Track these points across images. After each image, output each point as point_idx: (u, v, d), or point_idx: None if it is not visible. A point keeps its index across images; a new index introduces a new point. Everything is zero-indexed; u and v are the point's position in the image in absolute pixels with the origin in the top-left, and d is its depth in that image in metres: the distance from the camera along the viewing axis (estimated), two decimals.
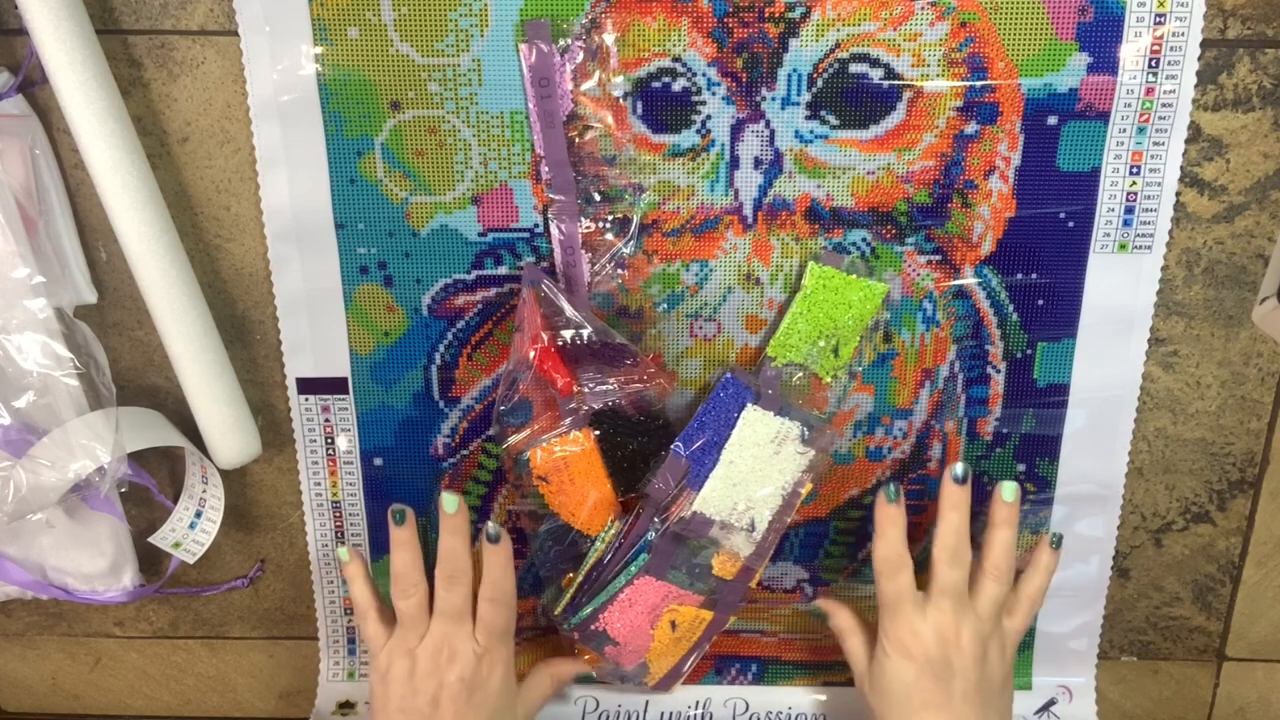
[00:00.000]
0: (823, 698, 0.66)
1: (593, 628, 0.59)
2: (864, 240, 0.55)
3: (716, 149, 0.53)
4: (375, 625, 0.56)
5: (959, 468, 0.54)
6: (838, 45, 0.51)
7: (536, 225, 0.55)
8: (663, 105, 0.53)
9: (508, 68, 0.52)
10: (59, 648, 0.68)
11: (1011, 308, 0.56)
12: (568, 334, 0.54)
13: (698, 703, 0.66)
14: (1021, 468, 0.60)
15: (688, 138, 0.53)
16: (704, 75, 0.52)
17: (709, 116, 0.53)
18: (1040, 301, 0.56)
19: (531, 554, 0.62)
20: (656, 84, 0.52)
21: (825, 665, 0.65)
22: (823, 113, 0.52)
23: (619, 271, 0.56)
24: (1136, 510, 0.62)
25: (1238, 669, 0.66)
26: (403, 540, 0.54)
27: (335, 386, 0.59)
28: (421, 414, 0.59)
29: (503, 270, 0.56)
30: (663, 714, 0.65)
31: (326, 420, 0.60)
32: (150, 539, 0.59)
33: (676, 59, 0.52)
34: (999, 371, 0.58)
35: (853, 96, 0.52)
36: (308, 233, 0.56)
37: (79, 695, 0.70)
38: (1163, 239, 0.55)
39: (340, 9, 0.51)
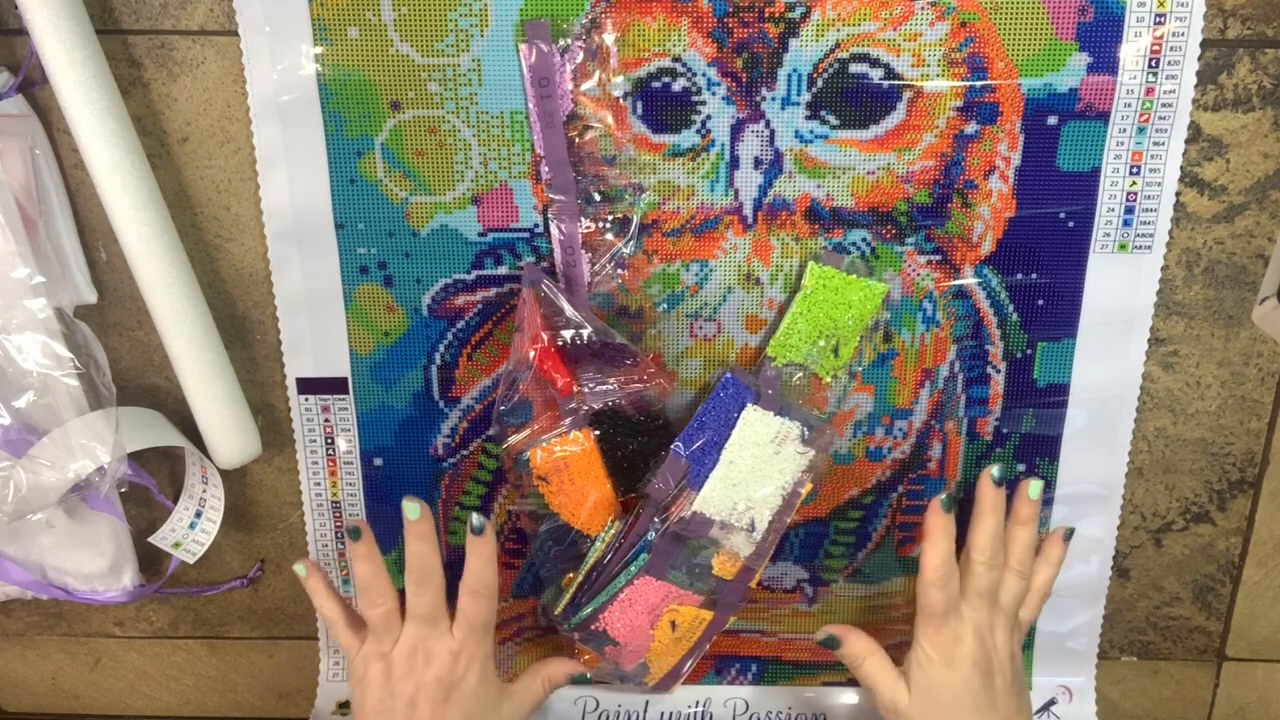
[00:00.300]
0: (823, 698, 0.66)
1: (593, 628, 0.59)
2: (864, 240, 0.55)
3: (716, 149, 0.53)
4: (346, 634, 0.56)
5: (996, 470, 0.54)
6: (838, 45, 0.51)
7: (536, 225, 0.55)
8: (663, 105, 0.53)
9: (508, 68, 0.52)
10: (59, 648, 0.68)
11: (1011, 308, 0.56)
12: (568, 334, 0.54)
13: (698, 703, 0.66)
14: (1021, 468, 0.60)
15: (688, 138, 0.53)
16: (704, 75, 0.52)
17: (709, 116, 0.53)
18: (1040, 301, 0.56)
19: (531, 554, 0.62)
20: (656, 84, 0.52)
21: (825, 665, 0.65)
22: (823, 113, 0.52)
23: (619, 271, 0.56)
24: (1136, 510, 0.62)
25: (1238, 669, 0.66)
26: (362, 554, 0.54)
27: (335, 386, 0.59)
28: (421, 414, 0.59)
29: (503, 270, 0.56)
30: (663, 714, 0.65)
31: (326, 420, 0.60)
32: (150, 539, 0.59)
33: (676, 59, 0.52)
34: (999, 371, 0.58)
35: (853, 96, 0.52)
36: (308, 233, 0.56)
37: (79, 695, 0.70)
38: (1163, 239, 0.55)
39: (340, 9, 0.51)
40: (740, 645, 0.65)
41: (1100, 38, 0.51)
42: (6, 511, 0.54)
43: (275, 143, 0.54)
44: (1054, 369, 0.58)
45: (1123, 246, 0.55)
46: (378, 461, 0.61)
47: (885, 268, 0.56)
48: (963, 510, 0.56)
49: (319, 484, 0.61)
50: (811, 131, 0.53)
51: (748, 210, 0.55)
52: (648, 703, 0.65)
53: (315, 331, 0.58)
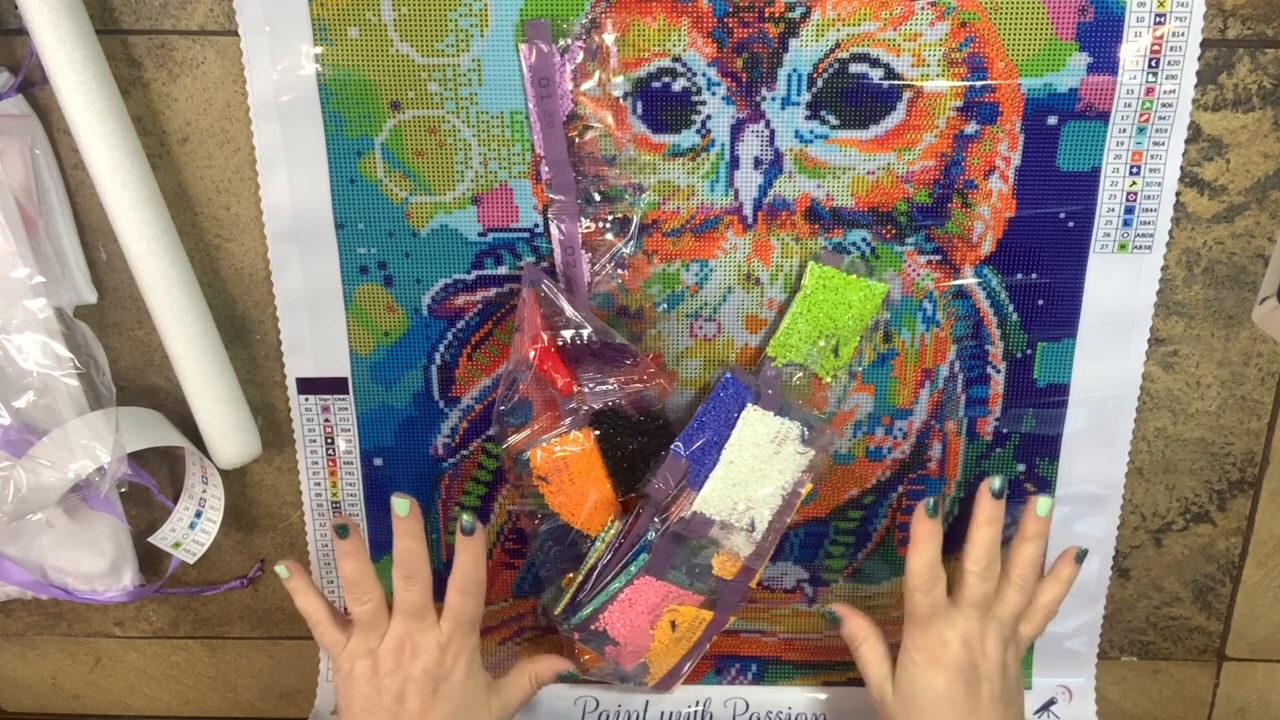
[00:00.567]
0: (823, 697, 0.66)
1: (593, 628, 0.59)
2: (864, 240, 0.55)
3: (716, 149, 0.53)
4: (331, 632, 0.56)
5: (996, 482, 0.54)
6: (838, 45, 0.51)
7: (536, 225, 0.55)
8: (663, 105, 0.53)
9: (508, 68, 0.52)
10: (59, 648, 0.68)
11: (1011, 308, 0.56)
12: (568, 334, 0.54)
13: (698, 703, 0.66)
14: (1021, 468, 0.60)
15: (688, 138, 0.53)
16: (704, 75, 0.52)
17: (709, 116, 0.53)
18: (1040, 301, 0.56)
19: (531, 554, 0.62)
20: (656, 84, 0.52)
21: (825, 665, 0.65)
22: (823, 113, 0.52)
23: (619, 271, 0.56)
24: (1136, 510, 0.62)
25: (1238, 669, 0.66)
26: (349, 551, 0.54)
27: (335, 386, 0.59)
28: (421, 414, 0.59)
29: (503, 270, 0.56)
30: (663, 714, 0.65)
31: (326, 420, 0.60)
32: (150, 539, 0.59)
33: (676, 59, 0.52)
34: (999, 371, 0.58)
35: (853, 96, 0.52)
36: (308, 233, 0.56)
37: (79, 695, 0.70)
38: (1163, 239, 0.55)
39: (340, 9, 0.51)
40: (740, 645, 0.65)
41: (1100, 38, 0.51)
42: (6, 511, 0.54)
43: (275, 143, 0.54)
44: (1054, 369, 0.58)
45: (1123, 246, 0.55)
46: (378, 461, 0.61)
47: (885, 268, 0.56)
48: (966, 513, 0.56)
49: (319, 484, 0.61)
50: (811, 131, 0.53)
51: (748, 210, 0.55)
52: (648, 703, 0.65)
53: (315, 331, 0.58)
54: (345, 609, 0.56)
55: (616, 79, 0.52)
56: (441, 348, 0.58)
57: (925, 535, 0.54)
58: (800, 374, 0.57)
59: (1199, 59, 0.51)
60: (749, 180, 0.54)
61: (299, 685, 0.69)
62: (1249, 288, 0.56)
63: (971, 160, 0.53)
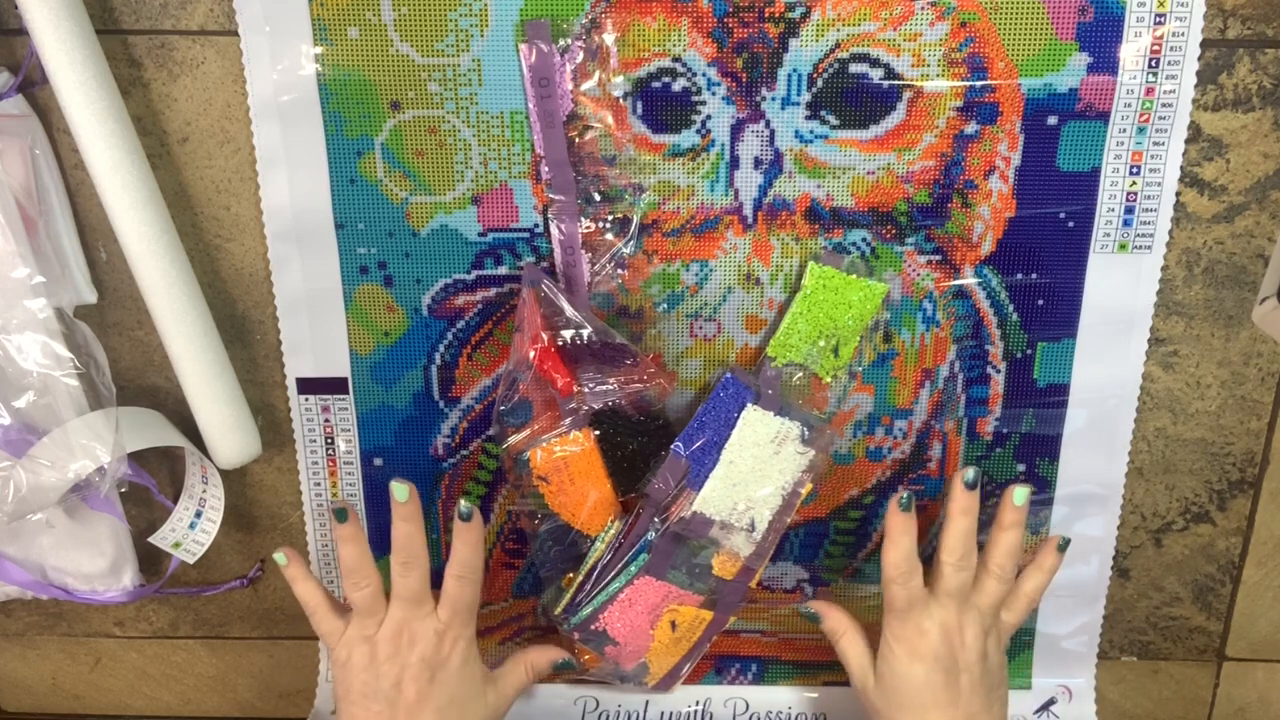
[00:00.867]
0: (823, 697, 0.66)
1: (593, 628, 0.59)
2: (864, 240, 0.55)
3: (716, 149, 0.53)
4: (329, 619, 0.56)
5: (970, 473, 0.54)
6: (838, 45, 0.51)
7: (536, 225, 0.55)
8: (663, 105, 0.53)
9: (508, 68, 0.52)
10: (59, 648, 0.68)
11: (1011, 308, 0.56)
12: (568, 334, 0.54)
13: (698, 702, 0.66)
14: (1021, 468, 0.60)
15: (688, 138, 0.53)
16: (704, 75, 0.52)
17: (709, 116, 0.53)
18: (1040, 301, 0.56)
19: (531, 554, 0.62)
20: (656, 84, 0.52)
21: (825, 665, 0.65)
22: (823, 113, 0.52)
23: (619, 271, 0.56)
24: (1136, 510, 0.62)
25: (1238, 669, 0.66)
26: (348, 535, 0.54)
27: (335, 386, 0.59)
28: (421, 414, 0.59)
29: (503, 270, 0.56)
30: (663, 714, 0.65)
31: (326, 420, 0.60)
32: (150, 539, 0.59)
33: (676, 59, 0.52)
34: (999, 371, 0.58)
35: (853, 96, 0.52)
36: (308, 233, 0.56)
37: (79, 695, 0.70)
38: (1163, 239, 0.55)
39: (340, 9, 0.51)
40: (740, 645, 0.65)
41: (1100, 38, 0.51)
42: (6, 511, 0.54)
43: (275, 143, 0.54)
44: (1054, 369, 0.58)
45: (1123, 246, 0.55)
46: (378, 461, 0.61)
47: (885, 268, 0.56)
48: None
49: (319, 484, 0.61)
50: (811, 131, 0.53)
51: (748, 210, 0.55)
52: (648, 703, 0.65)
53: (315, 331, 0.58)
54: (343, 598, 0.56)
55: (616, 79, 0.52)
56: (441, 348, 0.58)
57: (900, 528, 0.54)
58: (800, 374, 0.57)
59: (1199, 59, 0.51)
60: (749, 180, 0.54)
61: (299, 685, 0.69)
62: (1249, 288, 0.56)
63: (971, 160, 0.53)
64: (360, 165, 0.54)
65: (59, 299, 0.55)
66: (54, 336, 0.54)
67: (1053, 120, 0.52)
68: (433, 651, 0.54)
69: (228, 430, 0.57)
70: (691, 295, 0.56)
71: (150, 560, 0.63)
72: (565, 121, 0.52)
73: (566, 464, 0.56)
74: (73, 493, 0.56)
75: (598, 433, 0.56)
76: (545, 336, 0.54)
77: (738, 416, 0.56)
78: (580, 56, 0.51)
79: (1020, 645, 0.64)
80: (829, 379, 0.57)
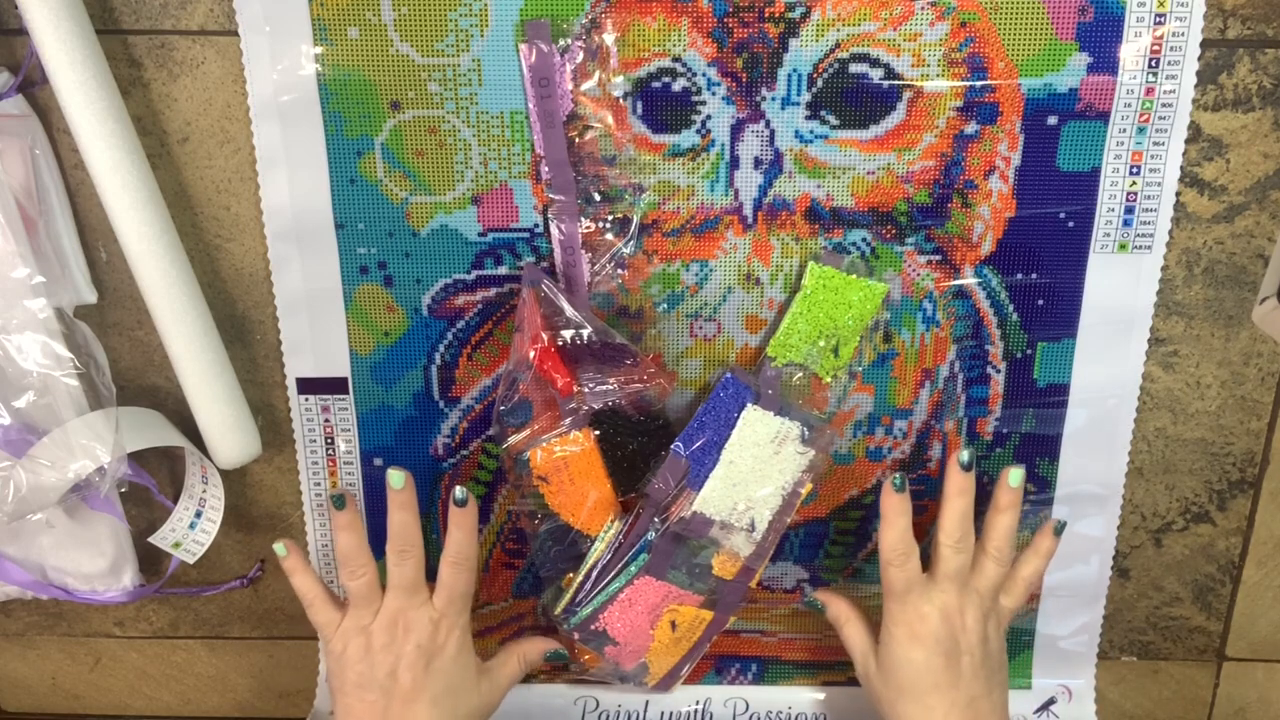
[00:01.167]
0: (822, 697, 0.66)
1: (593, 628, 0.59)
2: (864, 240, 0.55)
3: (716, 149, 0.53)
4: (325, 610, 0.56)
5: (965, 454, 0.54)
6: (838, 45, 0.51)
7: (536, 225, 0.55)
8: (663, 105, 0.53)
9: (508, 68, 0.52)
10: (59, 648, 0.68)
11: (1011, 308, 0.56)
12: (568, 334, 0.54)
13: (698, 702, 0.66)
14: (1022, 468, 0.60)
15: (688, 138, 0.53)
16: (704, 75, 0.52)
17: (709, 116, 0.53)
18: (1040, 301, 0.56)
19: (531, 554, 0.62)
20: (656, 84, 0.52)
21: (825, 665, 0.65)
22: (823, 113, 0.52)
23: (619, 271, 0.56)
24: (1136, 510, 0.62)
25: (1238, 669, 0.66)
26: (344, 524, 0.54)
27: (335, 386, 0.59)
28: (421, 414, 0.59)
29: (503, 270, 0.56)
30: (663, 714, 0.65)
31: (326, 420, 0.60)
32: (150, 539, 0.59)
33: (676, 59, 0.52)
34: (999, 371, 0.58)
35: (853, 96, 0.52)
36: (308, 233, 0.56)
37: (79, 695, 0.70)
38: (1163, 239, 0.55)
39: (340, 9, 0.51)
40: (740, 645, 0.65)
41: (1100, 38, 0.51)
42: (6, 511, 0.54)
43: (275, 143, 0.54)
44: (1054, 369, 0.58)
45: (1123, 246, 0.55)
46: (378, 461, 0.61)
47: (885, 268, 0.56)
48: (979, 507, 0.56)
49: (319, 484, 0.61)
50: (811, 131, 0.53)
51: (748, 210, 0.55)
52: (648, 703, 0.65)
53: (315, 331, 0.58)
54: (340, 590, 0.56)
55: (616, 79, 0.52)
56: (441, 348, 0.58)
57: (895, 510, 0.54)
58: (800, 374, 0.57)
59: (1199, 59, 0.51)
60: (749, 180, 0.54)
61: (299, 685, 0.69)
62: (1249, 288, 0.56)
63: (971, 160, 0.53)
64: (360, 165, 0.54)
65: (59, 299, 0.55)
66: (54, 336, 0.54)
67: (1053, 120, 0.52)
68: (428, 639, 0.54)
69: (228, 430, 0.57)
70: (691, 295, 0.56)
71: (150, 560, 0.63)
72: (565, 121, 0.52)
73: (566, 464, 0.56)
74: (73, 493, 0.56)
75: (598, 433, 0.56)
76: (545, 336, 0.54)
77: (738, 416, 0.56)
78: (580, 56, 0.51)
79: (1020, 645, 0.64)
80: (829, 379, 0.57)
